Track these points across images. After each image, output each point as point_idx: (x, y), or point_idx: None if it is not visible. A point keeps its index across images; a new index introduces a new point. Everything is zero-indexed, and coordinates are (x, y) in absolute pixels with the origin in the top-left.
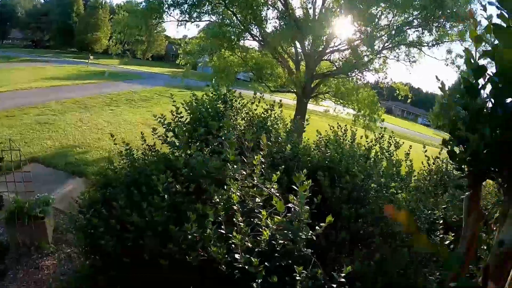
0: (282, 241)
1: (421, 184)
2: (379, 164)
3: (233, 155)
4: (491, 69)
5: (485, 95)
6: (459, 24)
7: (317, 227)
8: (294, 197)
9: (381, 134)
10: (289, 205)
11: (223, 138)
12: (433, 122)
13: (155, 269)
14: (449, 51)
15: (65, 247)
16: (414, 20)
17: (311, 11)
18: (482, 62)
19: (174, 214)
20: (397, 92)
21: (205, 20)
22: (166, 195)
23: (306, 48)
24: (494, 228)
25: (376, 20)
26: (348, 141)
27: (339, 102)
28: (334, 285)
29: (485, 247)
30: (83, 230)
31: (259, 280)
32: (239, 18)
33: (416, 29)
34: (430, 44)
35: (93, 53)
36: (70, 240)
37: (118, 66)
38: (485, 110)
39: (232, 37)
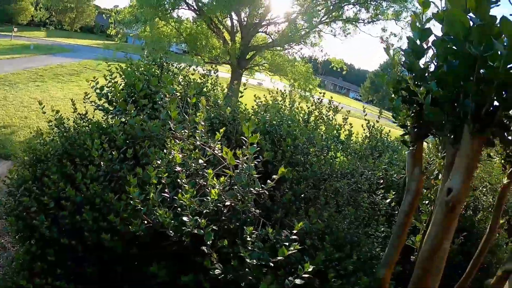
0: (229, 202)
1: (359, 147)
2: (319, 128)
3: (175, 111)
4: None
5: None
6: (395, 3)
7: (268, 181)
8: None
9: (320, 99)
10: (237, 161)
11: (161, 100)
12: (364, 96)
13: (98, 249)
14: (383, 29)
15: None
16: None
17: None
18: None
19: (112, 184)
20: (332, 64)
21: None
22: (102, 163)
23: (243, 20)
24: (434, 183)
25: None
26: (288, 106)
27: (273, 75)
28: (287, 243)
29: (426, 202)
30: (14, 213)
31: (209, 242)
32: None
33: (354, 5)
34: (366, 21)
35: (17, 25)
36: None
37: (44, 38)
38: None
39: (167, 6)
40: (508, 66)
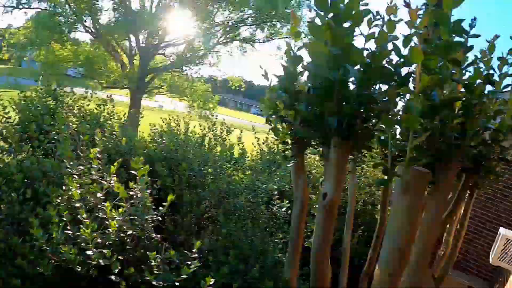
0: (130, 231)
1: (255, 163)
2: (214, 149)
3: (68, 151)
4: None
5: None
6: (289, 24)
7: (160, 208)
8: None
9: (213, 122)
10: (131, 192)
11: (57, 135)
12: (264, 111)
13: None
14: (279, 48)
15: None
16: (249, 18)
17: (148, 4)
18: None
19: (15, 226)
20: (231, 83)
21: (35, 8)
22: (1, 206)
23: (141, 42)
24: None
25: (213, 16)
26: (182, 131)
27: (174, 96)
28: (189, 262)
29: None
30: None
31: (116, 270)
32: (72, 8)
33: (250, 26)
34: (261, 41)
35: None
36: None
37: None
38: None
39: (64, 28)
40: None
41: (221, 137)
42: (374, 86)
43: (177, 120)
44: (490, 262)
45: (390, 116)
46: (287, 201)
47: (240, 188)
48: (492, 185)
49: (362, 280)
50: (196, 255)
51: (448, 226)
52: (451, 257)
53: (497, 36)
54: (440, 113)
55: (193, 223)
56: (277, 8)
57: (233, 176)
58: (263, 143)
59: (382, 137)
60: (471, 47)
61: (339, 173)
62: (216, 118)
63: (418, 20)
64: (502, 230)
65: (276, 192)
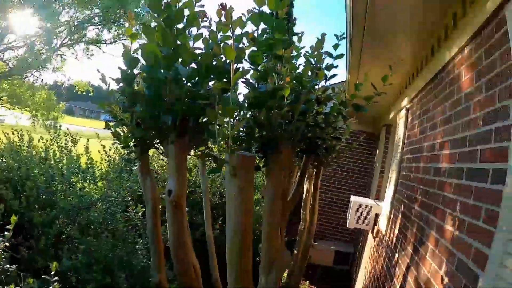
0: None
1: (105, 172)
2: (61, 162)
3: None
4: None
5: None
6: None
7: (6, 233)
8: None
9: (58, 133)
10: None
11: None
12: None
13: None
14: (120, 68)
15: None
16: (96, 18)
17: None
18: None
19: None
20: (77, 88)
21: None
22: None
23: None
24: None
25: (57, 16)
26: (25, 146)
27: (15, 108)
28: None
29: None
30: None
31: None
32: None
33: (96, 26)
34: (108, 42)
35: None
36: None
37: None
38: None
39: None
40: (191, 84)
41: (66, 148)
42: (208, 84)
43: (20, 134)
44: (348, 226)
45: (214, 109)
46: (141, 206)
47: (94, 200)
48: (337, 161)
49: None
50: (56, 277)
51: (303, 203)
52: (310, 229)
53: (324, 34)
54: (267, 102)
55: (48, 246)
56: (126, 7)
57: (84, 189)
58: (110, 150)
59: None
60: (291, 43)
61: (180, 168)
62: (60, 129)
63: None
64: (352, 198)
65: (130, 198)
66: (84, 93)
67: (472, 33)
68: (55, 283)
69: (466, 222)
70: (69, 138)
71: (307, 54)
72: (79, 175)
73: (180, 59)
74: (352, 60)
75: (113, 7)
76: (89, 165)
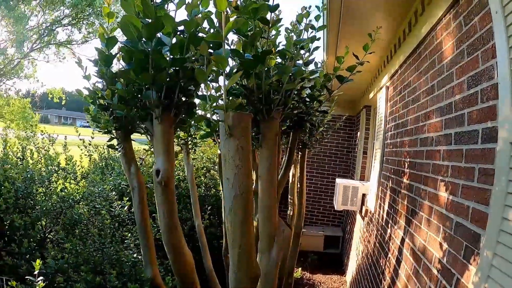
0: None
1: (87, 170)
2: (39, 163)
3: None
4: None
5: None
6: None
7: None
8: None
9: (33, 132)
10: None
11: None
12: (91, 122)
13: None
14: (97, 48)
15: None
16: (65, 18)
17: None
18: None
19: None
20: (51, 95)
21: None
22: None
23: None
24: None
25: (26, 20)
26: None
27: None
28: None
29: None
30: None
31: None
32: None
33: (66, 27)
34: (79, 42)
35: None
36: None
37: None
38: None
39: None
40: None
41: (43, 148)
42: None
43: None
44: (336, 208)
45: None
46: (127, 199)
47: (76, 198)
48: (320, 144)
49: (225, 258)
50: (40, 278)
51: (289, 189)
52: (300, 212)
53: (305, 8)
54: (256, 68)
55: (31, 249)
56: (93, 3)
57: (65, 189)
58: (89, 144)
59: (200, 93)
60: (277, 6)
61: (167, 146)
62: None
63: None
64: (338, 180)
65: (114, 193)
66: (57, 101)
67: (450, 3)
68: (39, 282)
69: (460, 185)
70: (46, 137)
71: (289, 30)
72: (59, 173)
73: (162, 30)
74: (330, 40)
75: (81, 4)
76: (69, 162)
